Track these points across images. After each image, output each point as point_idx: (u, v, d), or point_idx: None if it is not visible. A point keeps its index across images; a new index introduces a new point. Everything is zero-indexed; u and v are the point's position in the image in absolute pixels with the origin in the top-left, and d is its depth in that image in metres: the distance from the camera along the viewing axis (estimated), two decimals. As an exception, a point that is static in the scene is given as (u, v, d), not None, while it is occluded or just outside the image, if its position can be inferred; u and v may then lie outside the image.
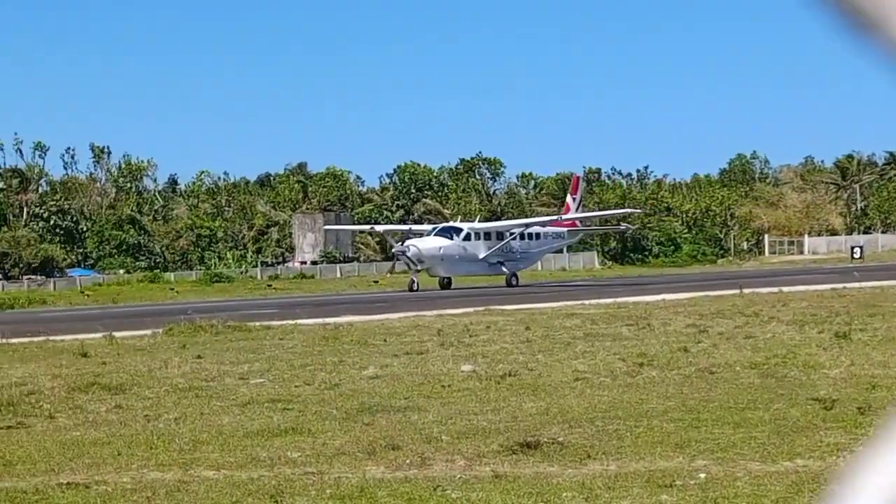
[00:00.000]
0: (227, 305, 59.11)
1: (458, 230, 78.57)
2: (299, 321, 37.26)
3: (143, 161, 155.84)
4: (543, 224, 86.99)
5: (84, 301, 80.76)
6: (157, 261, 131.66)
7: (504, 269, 78.71)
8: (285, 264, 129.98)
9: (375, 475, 12.48)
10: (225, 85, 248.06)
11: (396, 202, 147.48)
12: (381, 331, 33.18)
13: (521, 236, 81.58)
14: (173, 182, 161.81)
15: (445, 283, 77.46)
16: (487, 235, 79.74)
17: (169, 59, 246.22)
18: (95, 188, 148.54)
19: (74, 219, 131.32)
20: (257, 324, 36.27)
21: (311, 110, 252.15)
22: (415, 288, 72.78)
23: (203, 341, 31.51)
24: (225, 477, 12.44)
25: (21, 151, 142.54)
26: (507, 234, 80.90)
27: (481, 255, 77.65)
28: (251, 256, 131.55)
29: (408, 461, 13.22)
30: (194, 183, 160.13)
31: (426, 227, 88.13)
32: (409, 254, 74.69)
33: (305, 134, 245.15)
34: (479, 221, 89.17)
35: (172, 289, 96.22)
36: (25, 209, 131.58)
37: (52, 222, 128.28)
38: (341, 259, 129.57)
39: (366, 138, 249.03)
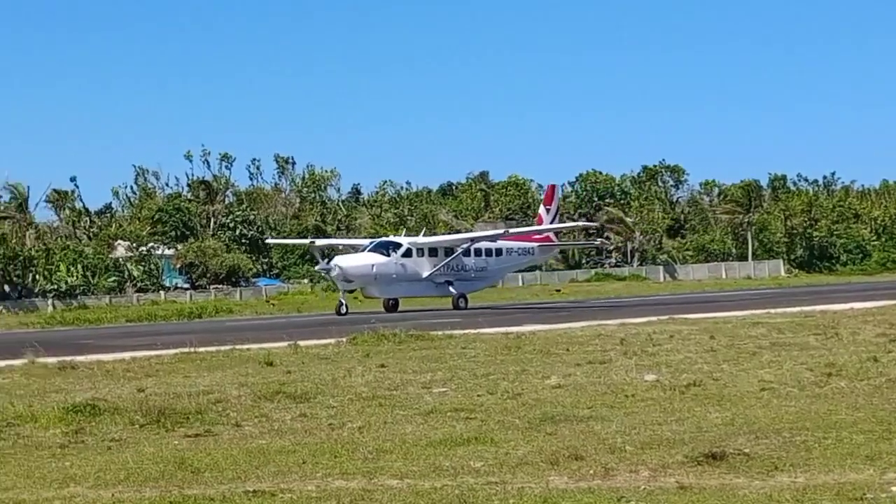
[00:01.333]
0: (408, 315, 59.54)
1: (397, 245, 70.08)
2: (481, 330, 37.33)
3: (326, 171, 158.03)
4: (493, 238, 75.75)
5: (269, 310, 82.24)
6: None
7: (451, 290, 69.80)
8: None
9: (559, 485, 12.37)
10: (404, 95, 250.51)
11: (578, 210, 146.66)
12: (563, 340, 32.95)
13: (477, 252, 72.99)
14: (356, 192, 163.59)
15: (391, 305, 69.69)
16: (433, 251, 70.89)
17: (351, 72, 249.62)
18: (280, 198, 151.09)
19: (260, 229, 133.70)
20: (440, 332, 36.36)
21: (493, 118, 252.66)
22: (342, 311, 64.83)
23: (386, 350, 31.73)
24: (409, 486, 12.46)
25: (208, 163, 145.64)
26: (457, 249, 71.90)
27: (425, 274, 69.35)
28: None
29: (591, 471, 13.08)
30: (377, 192, 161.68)
31: (363, 241, 79.69)
32: (332, 274, 67.96)
33: (487, 142, 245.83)
34: (423, 236, 77.15)
35: (356, 298, 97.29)
36: (212, 220, 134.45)
37: (237, 232, 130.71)
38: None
39: (547, 146, 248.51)
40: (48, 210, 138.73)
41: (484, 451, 14.58)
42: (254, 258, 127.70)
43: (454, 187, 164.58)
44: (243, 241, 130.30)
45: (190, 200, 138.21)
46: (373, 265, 67.16)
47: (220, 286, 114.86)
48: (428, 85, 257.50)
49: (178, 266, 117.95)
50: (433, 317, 53.95)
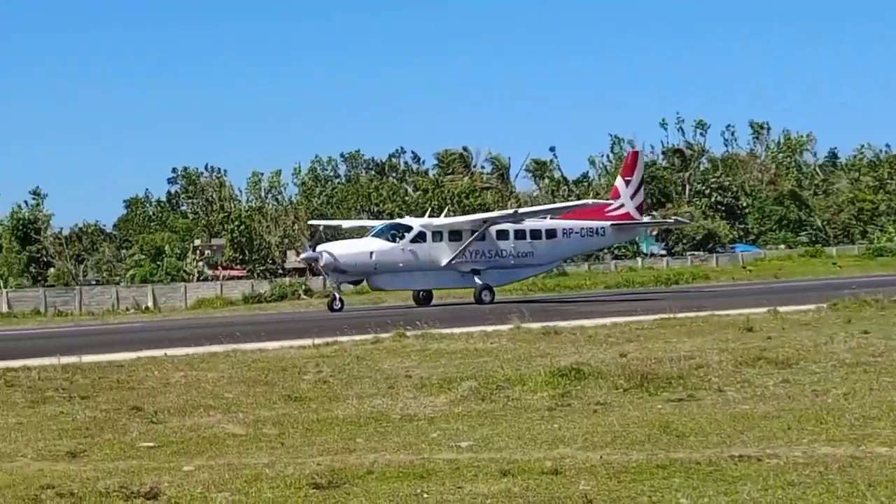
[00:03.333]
0: (889, 280, 57.45)
1: (406, 228, 59.46)
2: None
3: (802, 135, 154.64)
4: (544, 215, 63.76)
5: (746, 276, 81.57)
6: (819, 235, 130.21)
7: (476, 281, 59.19)
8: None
9: None
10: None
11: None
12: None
13: (519, 234, 61.34)
14: (833, 156, 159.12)
15: (422, 298, 60.60)
16: (455, 235, 59.46)
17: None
18: (755, 164, 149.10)
19: (735, 195, 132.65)
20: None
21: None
22: (336, 307, 55.57)
23: (868, 316, 30.87)
24: (898, 454, 12.15)
25: (683, 130, 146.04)
26: (492, 232, 60.64)
27: (444, 261, 58.53)
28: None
29: None
30: (855, 156, 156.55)
31: (374, 223, 69.57)
32: (321, 264, 58.16)
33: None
34: (444, 217, 66.16)
35: (834, 263, 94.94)
36: (687, 186, 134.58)
37: (713, 199, 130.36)
38: None
39: None
40: (528, 180, 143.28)
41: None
42: (730, 224, 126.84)
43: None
44: (719, 207, 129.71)
45: (665, 168, 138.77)
46: (371, 252, 57.14)
47: (697, 252, 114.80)
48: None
49: (655, 233, 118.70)
50: None
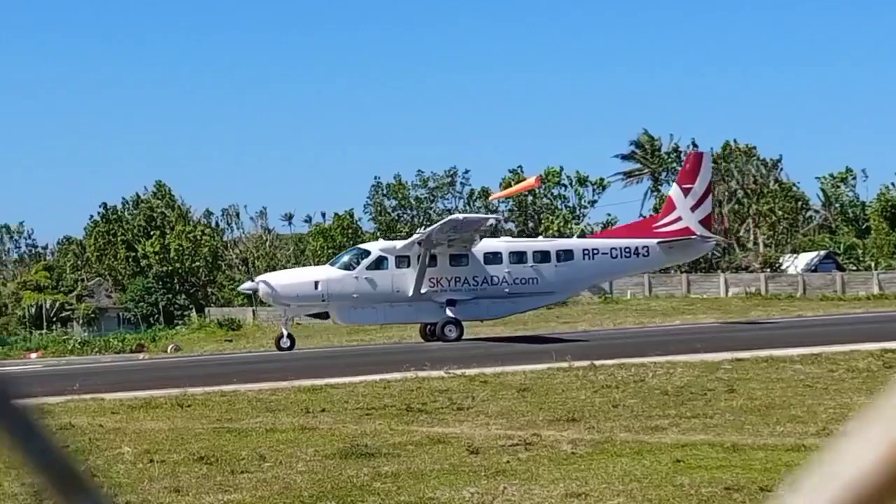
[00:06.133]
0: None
1: (364, 254, 50.72)
2: None
3: None
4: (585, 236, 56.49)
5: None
6: None
7: (447, 313, 48.96)
8: None
9: None
10: None
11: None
12: None
13: (517, 257, 51.17)
14: None
15: (429, 332, 50.37)
16: (430, 259, 49.35)
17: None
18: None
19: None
20: None
21: None
22: (284, 345, 48.72)
23: None
24: None
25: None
26: (476, 254, 50.54)
27: (412, 290, 49.11)
28: None
29: None
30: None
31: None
32: (260, 293, 51.04)
33: None
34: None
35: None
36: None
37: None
38: None
39: None
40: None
41: None
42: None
43: None
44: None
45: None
46: (316, 282, 49.06)
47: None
48: None
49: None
50: None
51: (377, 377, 27.65)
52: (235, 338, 72.71)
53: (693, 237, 54.05)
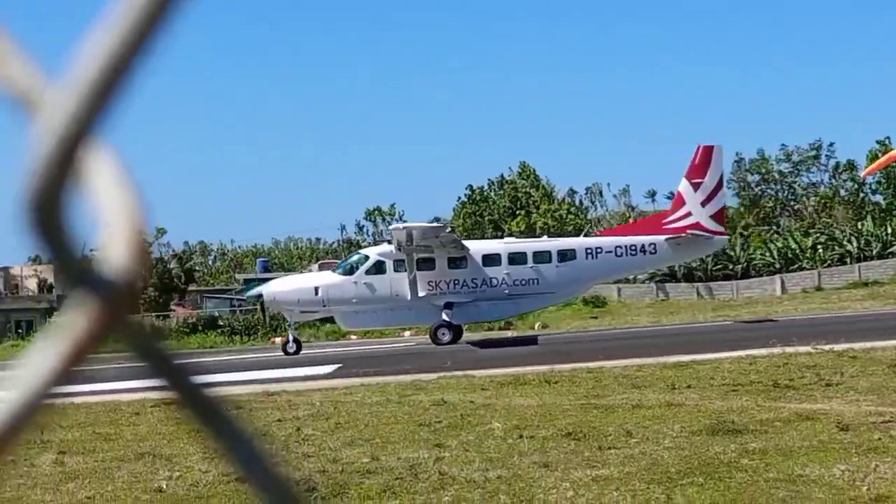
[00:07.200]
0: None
1: (363, 259, 51.24)
2: None
3: None
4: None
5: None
6: None
7: (444, 317, 49.20)
8: None
9: None
10: None
11: None
12: None
13: (516, 258, 50.91)
14: None
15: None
16: (428, 263, 49.97)
17: None
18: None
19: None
20: None
21: None
22: (290, 350, 49.07)
23: None
24: None
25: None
26: (474, 256, 50.72)
27: (411, 295, 49.46)
28: None
29: None
30: None
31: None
32: (264, 300, 52.52)
33: None
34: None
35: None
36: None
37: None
38: None
39: None
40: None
41: None
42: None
43: None
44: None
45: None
46: (316, 288, 50.17)
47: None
48: None
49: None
50: None
51: (743, 353, 27.87)
52: (601, 314, 73.61)
53: (701, 233, 52.46)
